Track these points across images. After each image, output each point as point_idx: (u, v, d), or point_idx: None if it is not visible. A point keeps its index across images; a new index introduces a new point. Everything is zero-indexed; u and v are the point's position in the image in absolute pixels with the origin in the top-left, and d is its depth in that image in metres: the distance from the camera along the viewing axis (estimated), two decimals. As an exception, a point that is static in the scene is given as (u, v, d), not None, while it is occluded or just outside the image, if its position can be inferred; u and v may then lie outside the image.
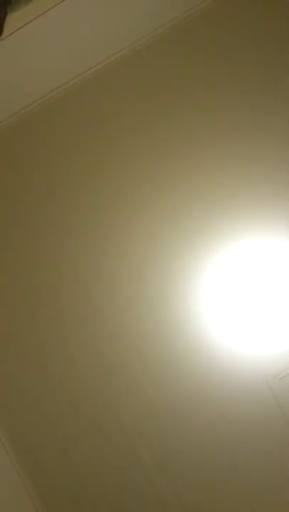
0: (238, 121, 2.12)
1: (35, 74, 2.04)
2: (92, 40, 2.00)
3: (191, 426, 2.09)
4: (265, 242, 2.07)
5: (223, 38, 2.11)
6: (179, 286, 2.10)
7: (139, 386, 2.11)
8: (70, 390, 2.15)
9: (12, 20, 1.75)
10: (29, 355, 2.17)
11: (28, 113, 2.18)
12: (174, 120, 2.14)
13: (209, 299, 2.09)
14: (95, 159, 2.18)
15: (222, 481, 2.08)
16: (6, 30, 1.74)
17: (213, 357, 2.07)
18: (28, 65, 1.97)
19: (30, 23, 1.79)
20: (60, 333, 2.16)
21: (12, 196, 2.22)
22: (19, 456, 2.15)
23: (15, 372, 2.18)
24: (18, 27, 1.77)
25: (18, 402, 2.17)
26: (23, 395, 2.17)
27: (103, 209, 2.17)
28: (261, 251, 2.07)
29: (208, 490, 2.09)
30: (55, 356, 2.16)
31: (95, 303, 2.15)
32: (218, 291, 2.08)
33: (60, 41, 1.93)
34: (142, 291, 2.12)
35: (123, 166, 2.16)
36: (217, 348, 2.07)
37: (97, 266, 2.15)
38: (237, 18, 2.10)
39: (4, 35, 1.78)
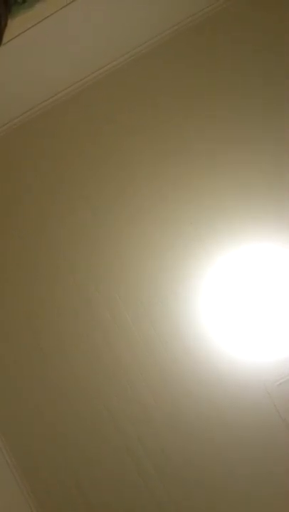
0: (238, 126, 2.11)
1: (34, 80, 2.04)
2: (91, 47, 2.00)
3: (190, 431, 2.09)
4: (265, 248, 2.07)
5: (224, 44, 2.11)
6: (178, 292, 2.10)
7: (138, 392, 2.11)
8: (69, 395, 2.15)
9: (11, 27, 1.75)
10: (28, 361, 2.17)
11: (28, 118, 2.19)
12: (174, 126, 2.14)
13: (208, 304, 2.09)
14: (94, 163, 2.18)
15: (221, 486, 2.08)
16: (5, 38, 1.74)
17: (213, 363, 2.07)
18: (27, 71, 1.97)
19: (30, 30, 1.79)
20: (58, 337, 2.16)
21: (12, 200, 2.22)
22: (17, 461, 2.15)
23: (14, 377, 2.18)
24: (17, 34, 1.77)
25: (17, 407, 2.17)
26: (22, 400, 2.17)
27: (102, 213, 2.17)
28: (260, 257, 2.07)
29: (206, 494, 2.09)
30: (53, 361, 2.16)
31: (93, 308, 2.15)
32: (217, 297, 2.08)
33: (60, 47, 1.93)
34: (141, 296, 2.12)
35: (122, 170, 2.16)
36: (216, 355, 2.07)
37: (96, 270, 2.15)
38: (238, 24, 2.10)
39: (3, 43, 1.78)
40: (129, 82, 2.15)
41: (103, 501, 2.13)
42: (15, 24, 1.79)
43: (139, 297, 2.12)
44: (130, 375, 2.11)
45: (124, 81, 2.15)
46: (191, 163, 2.13)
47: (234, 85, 2.11)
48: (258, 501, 2.06)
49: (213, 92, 2.12)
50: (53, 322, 2.16)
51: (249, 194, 2.10)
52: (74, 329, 2.15)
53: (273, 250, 2.07)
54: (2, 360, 2.19)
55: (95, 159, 2.18)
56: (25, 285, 2.19)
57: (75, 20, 1.84)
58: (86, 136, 2.18)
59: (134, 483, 2.11)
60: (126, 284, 2.13)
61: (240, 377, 2.06)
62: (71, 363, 2.15)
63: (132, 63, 2.13)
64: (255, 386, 2.05)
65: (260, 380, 2.05)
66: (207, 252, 2.10)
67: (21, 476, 2.13)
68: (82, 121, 2.18)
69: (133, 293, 2.12)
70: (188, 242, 2.11)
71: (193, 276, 2.10)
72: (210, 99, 2.12)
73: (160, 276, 2.11)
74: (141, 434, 2.11)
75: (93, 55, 2.05)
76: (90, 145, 2.18)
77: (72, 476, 2.14)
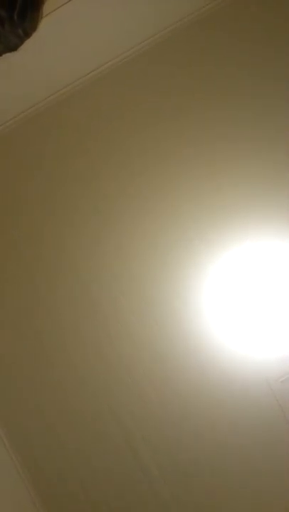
0: (238, 123, 2.12)
1: (35, 77, 2.02)
2: (93, 43, 1.99)
3: (193, 429, 2.09)
4: (267, 245, 2.08)
5: (226, 42, 2.11)
6: (181, 289, 2.10)
7: (141, 390, 2.11)
8: (72, 394, 2.14)
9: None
10: (30, 360, 2.16)
11: (29, 116, 2.17)
12: (176, 122, 2.13)
13: (211, 301, 2.09)
14: (96, 161, 2.17)
15: (223, 484, 2.08)
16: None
17: (216, 360, 2.07)
18: (28, 68, 1.96)
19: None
20: (60, 336, 2.15)
21: (14, 198, 2.21)
22: (22, 459, 2.14)
23: (16, 377, 2.17)
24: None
25: (19, 407, 2.16)
26: (24, 400, 2.16)
27: (104, 211, 2.16)
28: (263, 254, 2.07)
29: (209, 492, 2.09)
30: (55, 360, 2.15)
31: (95, 305, 2.14)
32: (219, 294, 2.09)
33: (62, 44, 1.93)
34: (143, 293, 2.12)
35: (124, 168, 2.16)
36: (219, 352, 2.07)
37: (98, 269, 2.15)
38: (239, 22, 2.10)
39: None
40: (131, 79, 2.14)
41: (106, 500, 2.12)
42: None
43: (142, 295, 2.11)
44: (133, 373, 2.11)
45: (127, 78, 2.14)
46: (192, 161, 2.13)
47: (235, 83, 2.11)
48: (261, 498, 2.07)
49: (214, 90, 2.12)
50: (54, 322, 2.16)
51: (250, 192, 2.10)
52: (76, 329, 2.14)
53: (276, 247, 2.07)
54: (2, 360, 2.18)
55: (97, 158, 2.17)
56: (26, 285, 2.18)
57: (75, 17, 1.83)
58: (88, 133, 2.17)
59: (136, 481, 2.11)
60: (129, 283, 2.12)
61: (243, 374, 2.06)
62: (73, 361, 2.14)
63: (133, 60, 2.12)
64: (258, 383, 2.06)
65: (263, 376, 2.06)
66: (209, 250, 2.10)
67: (27, 475, 2.12)
68: (84, 118, 2.17)
69: (136, 292, 2.12)
70: (190, 241, 2.11)
71: (195, 275, 2.10)
72: (212, 98, 2.12)
73: (163, 275, 2.11)
74: (144, 432, 2.11)
75: (95, 52, 2.04)
76: (92, 143, 2.17)
77: (75, 475, 2.14)
